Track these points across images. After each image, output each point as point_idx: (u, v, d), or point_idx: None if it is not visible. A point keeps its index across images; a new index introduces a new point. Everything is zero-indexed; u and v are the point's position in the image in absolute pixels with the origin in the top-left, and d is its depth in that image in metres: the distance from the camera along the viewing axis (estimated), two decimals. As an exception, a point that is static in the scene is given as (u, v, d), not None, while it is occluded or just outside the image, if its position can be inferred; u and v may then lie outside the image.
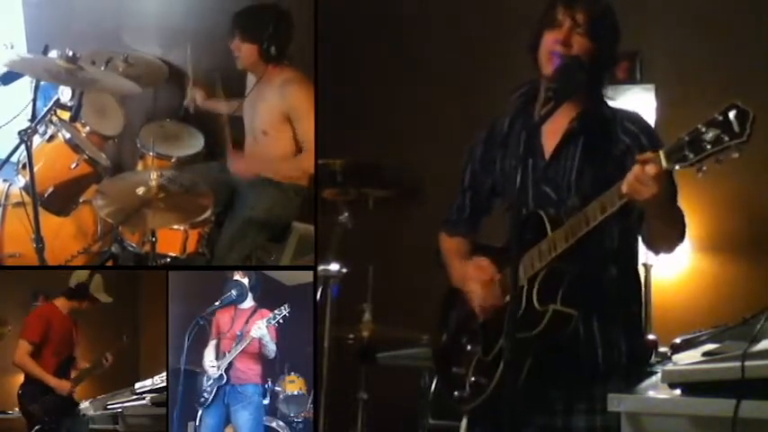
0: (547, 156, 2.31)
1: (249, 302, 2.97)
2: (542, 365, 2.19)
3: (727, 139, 1.84)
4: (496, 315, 2.29)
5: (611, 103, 2.37)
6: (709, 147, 1.86)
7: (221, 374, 2.92)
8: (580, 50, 2.23)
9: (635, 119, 2.32)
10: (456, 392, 2.37)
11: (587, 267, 2.21)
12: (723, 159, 1.86)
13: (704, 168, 1.89)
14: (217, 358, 2.94)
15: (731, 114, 1.83)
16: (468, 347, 2.38)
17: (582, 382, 2.25)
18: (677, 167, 1.93)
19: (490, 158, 2.44)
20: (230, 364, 2.93)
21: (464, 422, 2.58)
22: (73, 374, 3.04)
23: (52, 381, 2.99)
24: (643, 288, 3.44)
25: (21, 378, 3.03)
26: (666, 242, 2.25)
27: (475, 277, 2.33)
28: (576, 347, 2.24)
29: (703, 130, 1.86)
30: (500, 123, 2.44)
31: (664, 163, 1.94)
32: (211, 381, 2.93)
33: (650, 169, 1.96)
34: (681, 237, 2.25)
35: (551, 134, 2.31)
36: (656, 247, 2.29)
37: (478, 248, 2.46)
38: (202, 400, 2.93)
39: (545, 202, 2.28)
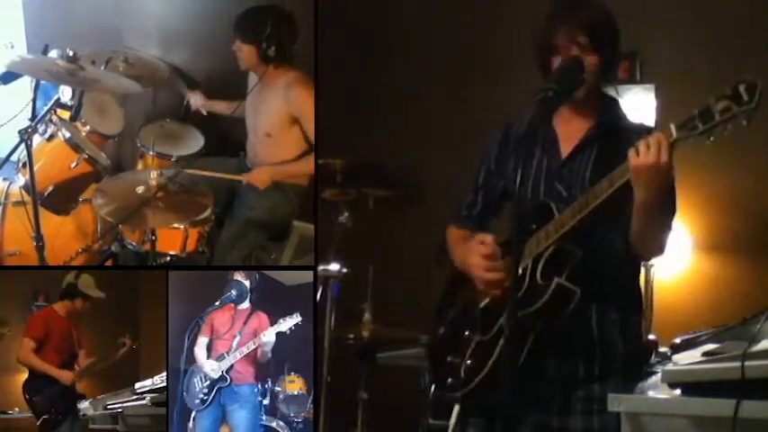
0: (564, 156, 2.35)
1: (247, 303, 2.97)
2: (542, 346, 2.21)
3: (735, 107, 1.93)
4: (498, 295, 2.31)
5: (628, 116, 2.41)
6: (718, 116, 1.95)
7: (223, 375, 2.91)
8: (590, 68, 2.26)
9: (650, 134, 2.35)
10: (450, 379, 2.38)
11: (594, 255, 2.23)
12: (732, 128, 1.94)
13: (712, 138, 1.97)
14: (209, 357, 2.93)
15: (741, 88, 1.93)
16: (467, 333, 2.39)
17: (578, 368, 2.27)
18: (687, 136, 2.00)
19: (505, 158, 2.47)
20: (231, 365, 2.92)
21: (455, 411, 2.58)
22: (77, 369, 3.06)
23: (55, 371, 3.02)
24: (643, 288, 3.48)
25: (20, 378, 3.05)
26: (644, 242, 2.24)
27: (477, 251, 2.34)
28: (575, 331, 2.26)
29: (713, 102, 1.96)
30: (516, 124, 2.46)
31: (674, 133, 2.02)
32: (208, 382, 2.93)
33: (660, 137, 2.03)
34: (660, 246, 2.27)
35: (568, 138, 2.35)
36: (633, 244, 2.26)
37: None
38: (197, 401, 2.92)
39: (556, 198, 2.31)
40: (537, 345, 2.22)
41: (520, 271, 2.23)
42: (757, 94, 1.91)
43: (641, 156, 2.05)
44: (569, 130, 2.35)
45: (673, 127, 2.03)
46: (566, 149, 2.35)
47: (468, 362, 2.34)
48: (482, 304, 2.38)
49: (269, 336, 2.90)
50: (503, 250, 2.33)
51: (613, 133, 2.32)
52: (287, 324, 2.90)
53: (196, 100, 4.09)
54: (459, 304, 2.46)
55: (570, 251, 2.22)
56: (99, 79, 3.28)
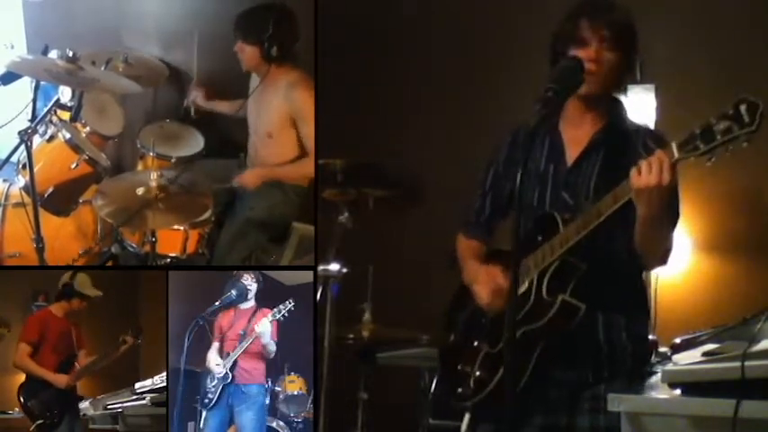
0: (570, 162, 2.35)
1: (250, 303, 2.97)
2: (548, 359, 2.22)
3: (737, 128, 1.92)
4: (504, 309, 2.31)
5: (634, 119, 2.41)
6: (719, 137, 1.94)
7: (226, 373, 2.91)
8: (608, 65, 2.27)
9: (657, 137, 2.34)
10: (459, 389, 2.39)
11: (599, 266, 2.24)
12: (733, 149, 1.94)
13: (713, 159, 1.97)
14: (221, 359, 2.94)
15: (742, 108, 1.92)
16: (476, 343, 2.40)
17: (586, 377, 2.28)
18: (688, 156, 2.00)
19: (512, 162, 2.47)
20: (234, 363, 2.92)
21: (466, 419, 2.59)
22: (76, 368, 3.05)
23: (50, 375, 3.01)
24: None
25: (20, 379, 3.04)
26: (648, 254, 2.25)
27: (484, 282, 2.37)
28: (582, 342, 2.27)
29: (714, 122, 1.95)
30: (523, 128, 2.44)
31: (675, 153, 2.02)
32: (215, 381, 2.93)
33: (662, 157, 2.03)
34: (664, 256, 2.28)
35: (574, 142, 2.36)
36: (640, 254, 2.26)
37: (493, 253, 2.50)
38: (206, 401, 2.92)
39: (562, 207, 2.31)
40: (546, 350, 2.22)
41: (526, 285, 2.26)
42: (758, 115, 1.91)
43: (643, 176, 2.04)
44: (577, 134, 2.36)
45: (674, 146, 2.02)
46: (572, 154, 2.36)
47: (478, 373, 2.35)
48: (490, 314, 2.38)
49: (262, 326, 2.90)
50: (509, 261, 2.34)
51: (620, 136, 2.33)
52: (280, 312, 2.91)
53: (198, 96, 4.06)
54: (469, 311, 2.46)
55: (575, 265, 2.23)
56: (98, 79, 3.28)
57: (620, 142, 2.31)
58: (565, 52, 2.30)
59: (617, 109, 2.39)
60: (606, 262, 2.27)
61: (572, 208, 2.29)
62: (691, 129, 1.98)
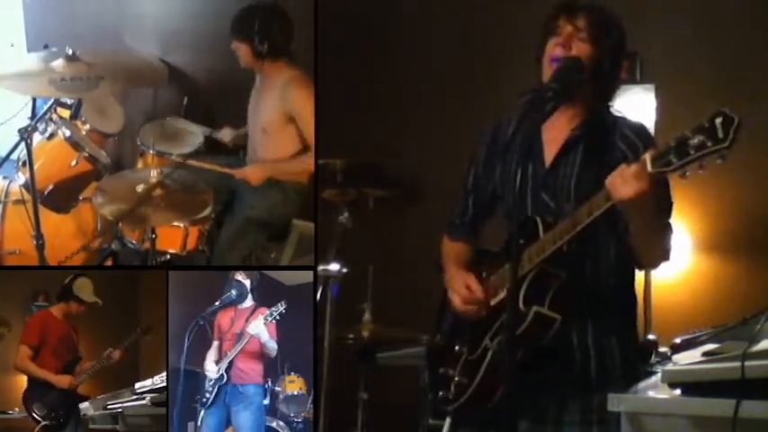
0: (547, 163, 2.31)
1: (249, 302, 2.97)
2: (526, 368, 2.15)
3: (710, 144, 1.86)
4: (483, 316, 2.32)
5: (615, 112, 2.36)
6: (692, 152, 1.89)
7: (222, 374, 2.92)
8: (580, 54, 2.23)
9: (634, 127, 2.30)
10: (441, 392, 2.39)
11: (578, 274, 2.21)
12: (706, 165, 1.89)
13: (688, 174, 1.92)
14: (218, 360, 2.94)
15: (717, 121, 1.86)
16: (457, 347, 2.39)
17: (567, 388, 2.26)
18: (662, 171, 1.95)
19: (492, 162, 2.44)
20: (231, 363, 2.92)
21: (447, 422, 2.59)
22: (77, 370, 3.05)
23: (52, 377, 3.01)
24: (642, 291, 3.46)
25: (21, 379, 3.04)
26: (649, 254, 2.23)
27: (457, 291, 2.37)
28: (563, 353, 2.25)
29: (689, 135, 1.89)
30: (504, 126, 2.43)
31: (649, 166, 1.97)
32: (212, 381, 2.93)
33: (634, 169, 1.99)
34: (665, 253, 2.24)
35: (553, 142, 2.32)
36: (638, 258, 2.25)
37: (478, 255, 2.48)
38: (204, 400, 2.92)
39: (543, 209, 2.28)
40: (525, 359, 2.16)
41: (503, 294, 2.25)
42: (732, 131, 1.83)
43: (623, 189, 1.99)
44: (554, 133, 2.31)
45: (648, 159, 1.97)
46: (550, 154, 2.31)
47: (457, 378, 2.34)
48: (467, 321, 2.38)
49: (255, 327, 2.90)
50: (492, 260, 2.35)
51: (597, 133, 2.28)
52: (272, 315, 2.91)
53: (225, 135, 4.07)
54: (453, 313, 2.44)
55: (553, 273, 2.19)
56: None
57: (598, 138, 2.27)
58: (543, 45, 2.28)
59: (594, 106, 2.32)
60: (588, 270, 2.25)
61: (553, 211, 2.26)
62: (668, 141, 1.93)
